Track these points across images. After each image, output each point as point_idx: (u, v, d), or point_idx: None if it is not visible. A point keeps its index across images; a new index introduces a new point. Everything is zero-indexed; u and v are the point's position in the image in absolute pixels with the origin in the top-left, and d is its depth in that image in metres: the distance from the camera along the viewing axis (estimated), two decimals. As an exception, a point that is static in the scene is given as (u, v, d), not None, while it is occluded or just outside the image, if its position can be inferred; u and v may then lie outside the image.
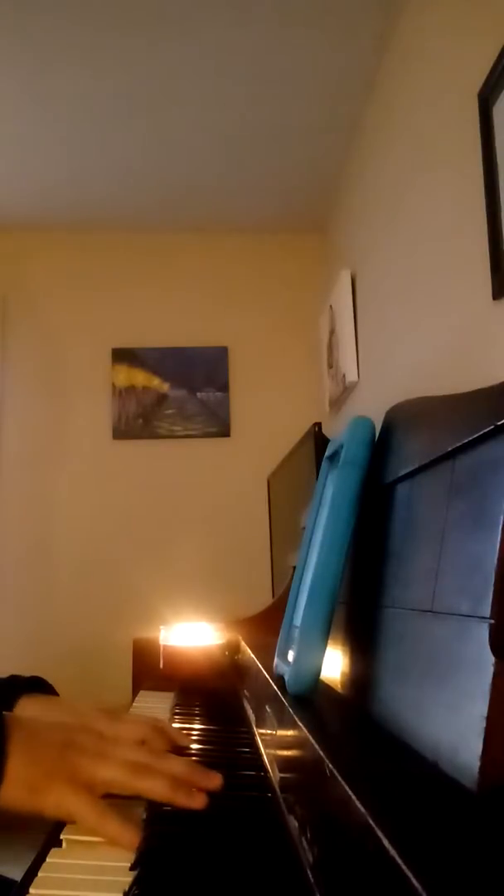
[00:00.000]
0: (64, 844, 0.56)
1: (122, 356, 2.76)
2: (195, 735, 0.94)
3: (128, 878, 0.49)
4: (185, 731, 0.95)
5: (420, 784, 0.42)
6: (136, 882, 0.48)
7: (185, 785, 0.59)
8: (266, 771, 0.73)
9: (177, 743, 0.76)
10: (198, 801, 0.58)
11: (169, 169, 2.44)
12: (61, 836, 0.58)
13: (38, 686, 0.83)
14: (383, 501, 0.68)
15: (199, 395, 2.76)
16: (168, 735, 0.75)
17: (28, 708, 0.78)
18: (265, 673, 0.84)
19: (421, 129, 1.62)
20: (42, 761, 0.58)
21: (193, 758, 0.82)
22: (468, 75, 1.30)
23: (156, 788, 0.58)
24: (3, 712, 0.62)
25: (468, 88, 1.29)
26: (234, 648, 1.39)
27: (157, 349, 2.77)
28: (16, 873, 0.54)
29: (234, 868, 0.51)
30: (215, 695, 1.22)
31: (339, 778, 0.41)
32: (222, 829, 0.58)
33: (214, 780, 0.61)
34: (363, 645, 0.66)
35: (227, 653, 1.39)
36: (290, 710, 0.61)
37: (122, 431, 2.73)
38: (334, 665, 0.73)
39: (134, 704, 1.16)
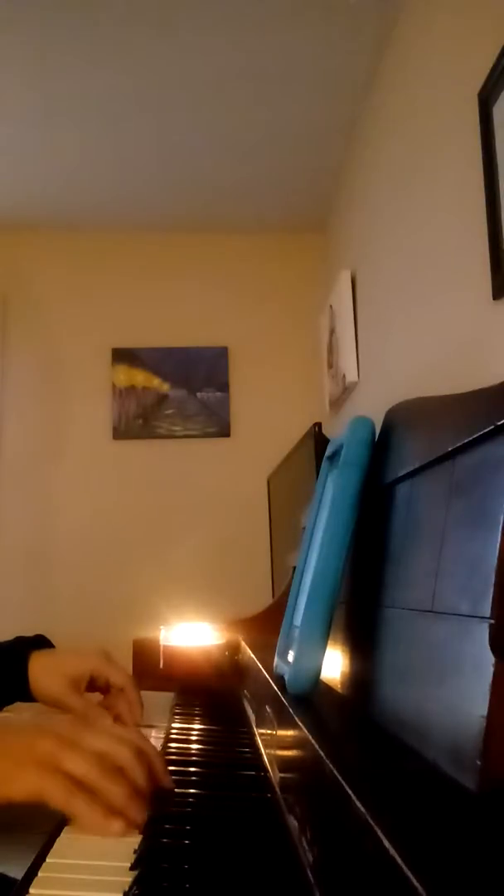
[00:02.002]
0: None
1: (122, 356, 2.76)
2: (195, 735, 0.94)
3: (128, 878, 0.49)
4: (184, 731, 0.95)
5: (420, 784, 0.42)
6: (136, 882, 0.48)
7: (139, 800, 0.59)
8: (266, 771, 0.74)
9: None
10: (131, 828, 0.58)
11: (169, 169, 2.44)
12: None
13: (42, 643, 0.91)
14: (383, 502, 0.68)
15: (199, 395, 2.76)
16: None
17: (39, 659, 0.86)
18: (265, 673, 0.84)
19: (421, 130, 1.62)
20: (12, 753, 0.59)
21: (193, 758, 0.82)
22: (468, 75, 1.30)
23: (114, 796, 0.58)
24: None
25: (468, 88, 1.29)
26: (234, 648, 1.39)
27: (157, 349, 2.77)
28: (16, 873, 0.54)
29: (235, 868, 0.51)
30: (215, 695, 1.22)
31: (339, 778, 0.41)
32: (222, 828, 0.59)
33: (167, 782, 0.62)
34: (363, 645, 0.66)
35: (227, 653, 1.38)
36: (290, 710, 0.61)
37: (122, 431, 2.73)
38: (334, 665, 0.73)
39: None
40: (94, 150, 2.33)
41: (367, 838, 0.33)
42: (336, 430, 0.81)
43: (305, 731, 0.53)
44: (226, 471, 2.71)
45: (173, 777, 0.67)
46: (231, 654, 1.38)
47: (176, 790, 0.66)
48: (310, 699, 0.65)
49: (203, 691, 1.25)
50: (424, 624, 0.51)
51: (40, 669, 0.86)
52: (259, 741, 0.85)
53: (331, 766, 0.43)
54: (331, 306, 2.40)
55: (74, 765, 0.58)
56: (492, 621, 0.41)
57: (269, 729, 0.76)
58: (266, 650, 0.95)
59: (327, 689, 0.72)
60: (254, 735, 0.89)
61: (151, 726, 0.95)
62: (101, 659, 0.88)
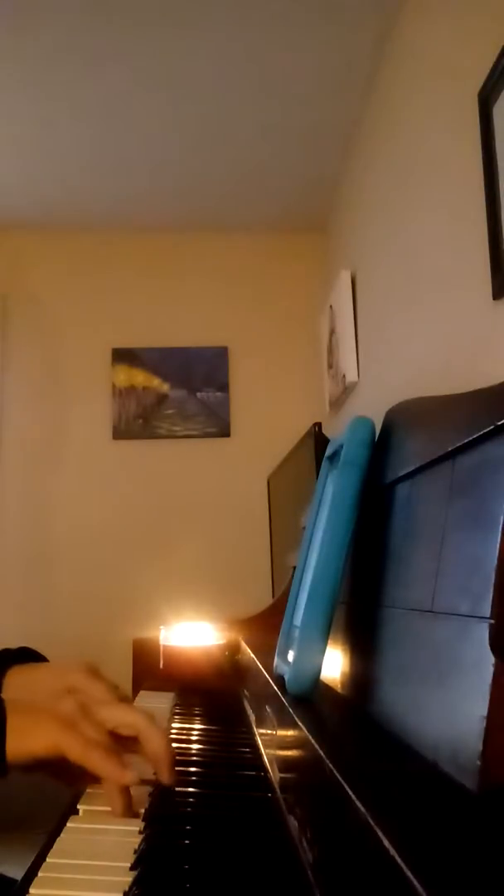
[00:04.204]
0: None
1: (122, 356, 2.76)
2: (195, 735, 0.94)
3: (128, 878, 0.49)
4: (184, 731, 0.95)
5: (420, 784, 0.42)
6: (136, 882, 0.48)
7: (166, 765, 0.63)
8: (266, 771, 0.74)
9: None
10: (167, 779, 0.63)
11: (169, 169, 2.44)
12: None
13: (26, 656, 0.85)
14: (383, 501, 0.68)
15: (199, 395, 2.76)
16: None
17: (15, 677, 0.80)
18: (265, 673, 0.84)
19: (421, 130, 1.62)
20: (34, 711, 0.63)
21: (193, 758, 0.82)
22: (468, 75, 1.30)
23: (126, 758, 0.61)
24: None
25: (468, 88, 1.29)
26: (234, 648, 1.39)
27: (157, 349, 2.77)
28: (16, 873, 0.54)
29: (235, 868, 0.51)
30: (215, 695, 1.22)
31: (339, 778, 0.41)
32: (222, 828, 0.59)
33: (169, 779, 0.64)
34: (363, 645, 0.66)
35: (227, 653, 1.39)
36: (290, 710, 0.61)
37: (122, 431, 2.73)
38: (334, 665, 0.73)
39: (134, 705, 1.16)
40: (94, 150, 2.33)
41: (367, 838, 0.33)
42: (336, 430, 0.81)
43: (305, 731, 0.53)
44: (226, 471, 2.71)
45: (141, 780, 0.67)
46: (231, 654, 1.38)
47: (176, 790, 0.66)
48: (310, 699, 0.65)
49: (203, 691, 1.25)
50: (424, 624, 0.51)
51: (14, 688, 0.82)
52: (259, 741, 0.85)
53: (331, 766, 0.43)
54: (331, 306, 2.40)
55: (91, 731, 0.61)
56: (492, 621, 0.41)
57: (269, 729, 0.76)
58: (266, 650, 0.95)
59: (327, 689, 0.72)
60: (254, 735, 0.89)
61: None
62: (79, 674, 0.82)
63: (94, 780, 0.63)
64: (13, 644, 0.93)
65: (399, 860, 0.30)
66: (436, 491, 0.55)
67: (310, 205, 2.67)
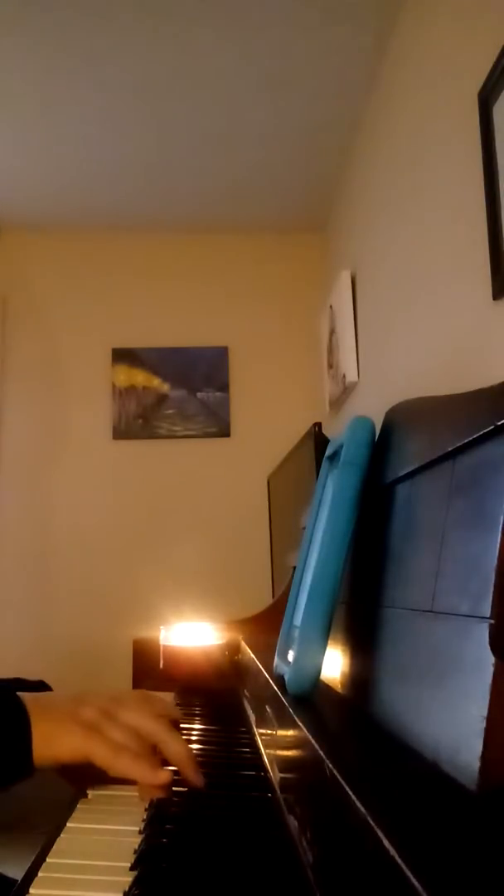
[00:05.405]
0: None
1: (122, 356, 2.76)
2: (195, 735, 0.94)
3: (128, 878, 0.49)
4: (184, 731, 0.95)
5: (420, 784, 0.42)
6: (136, 882, 0.48)
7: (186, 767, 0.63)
8: (266, 771, 0.74)
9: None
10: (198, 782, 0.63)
11: (169, 169, 2.44)
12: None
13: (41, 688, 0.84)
14: (383, 501, 0.68)
15: (199, 395, 2.76)
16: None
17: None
18: (265, 673, 0.84)
19: (421, 130, 1.62)
20: (58, 717, 0.62)
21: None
22: (468, 75, 1.30)
23: (153, 761, 0.61)
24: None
25: (468, 88, 1.29)
26: (234, 648, 1.39)
27: (157, 349, 2.77)
28: (16, 873, 0.54)
29: (235, 868, 0.51)
30: (215, 695, 1.22)
31: (339, 778, 0.41)
32: (223, 828, 0.59)
33: (199, 781, 0.63)
34: (363, 645, 0.66)
35: (227, 653, 1.39)
36: (290, 710, 0.61)
37: (122, 431, 2.73)
38: (334, 665, 0.73)
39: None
40: (93, 149, 2.33)
41: (367, 838, 0.33)
42: (336, 430, 0.81)
43: (305, 731, 0.53)
44: (226, 471, 2.71)
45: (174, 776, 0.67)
46: (231, 654, 1.38)
47: (176, 790, 0.66)
48: (310, 699, 0.65)
49: (203, 691, 1.25)
50: (424, 624, 0.51)
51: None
52: (259, 741, 0.85)
53: (331, 766, 0.43)
54: (331, 306, 2.40)
55: (114, 734, 0.61)
56: (492, 621, 0.41)
57: (269, 729, 0.76)
58: (266, 650, 0.95)
59: (327, 689, 0.72)
60: (254, 735, 0.89)
61: None
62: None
63: (119, 781, 0.63)
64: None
65: (399, 860, 0.30)
66: (436, 491, 0.55)
67: (310, 205, 2.67)
